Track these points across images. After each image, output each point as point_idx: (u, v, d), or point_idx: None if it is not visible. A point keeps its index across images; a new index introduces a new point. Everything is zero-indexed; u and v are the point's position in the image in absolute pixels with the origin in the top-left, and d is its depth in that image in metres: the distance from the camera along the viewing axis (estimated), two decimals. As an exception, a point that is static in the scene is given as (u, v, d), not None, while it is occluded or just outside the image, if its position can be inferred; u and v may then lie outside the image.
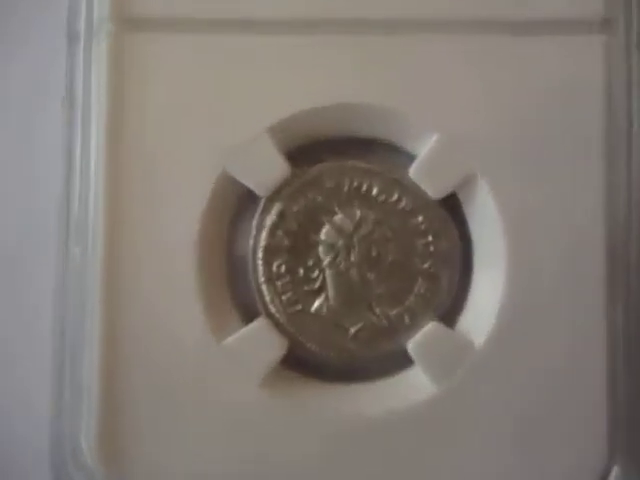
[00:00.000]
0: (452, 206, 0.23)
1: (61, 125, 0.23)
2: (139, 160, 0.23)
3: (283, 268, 0.23)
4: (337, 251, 0.23)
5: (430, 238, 0.23)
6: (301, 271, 0.23)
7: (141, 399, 0.22)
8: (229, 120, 0.23)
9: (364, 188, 0.23)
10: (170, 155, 0.23)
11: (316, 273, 0.23)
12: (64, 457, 0.22)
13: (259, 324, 0.23)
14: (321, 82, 0.23)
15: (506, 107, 0.22)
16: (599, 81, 0.22)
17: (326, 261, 0.23)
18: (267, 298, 0.23)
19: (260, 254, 0.23)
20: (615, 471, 0.22)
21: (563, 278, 0.22)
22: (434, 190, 0.23)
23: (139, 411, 0.22)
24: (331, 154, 0.24)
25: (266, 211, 0.23)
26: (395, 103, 0.23)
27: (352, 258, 0.23)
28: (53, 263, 0.23)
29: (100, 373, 0.22)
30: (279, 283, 0.23)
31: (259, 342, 0.23)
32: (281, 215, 0.23)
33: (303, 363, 0.24)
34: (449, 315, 0.23)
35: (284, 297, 0.23)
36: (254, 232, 0.23)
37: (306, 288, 0.23)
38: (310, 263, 0.23)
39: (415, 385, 0.23)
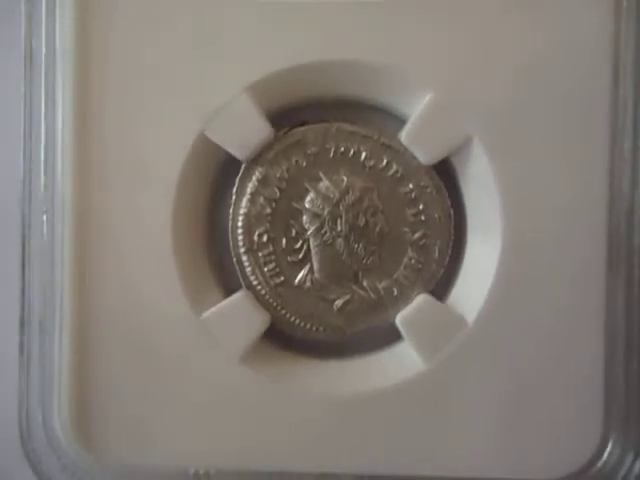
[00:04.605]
0: (445, 172, 0.22)
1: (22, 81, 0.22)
2: (110, 123, 0.21)
3: (265, 237, 0.22)
4: (322, 220, 0.22)
5: (421, 207, 0.22)
6: (284, 241, 0.22)
7: (116, 377, 0.22)
8: (206, 79, 0.21)
9: (351, 153, 0.22)
10: (143, 117, 0.21)
11: (300, 243, 0.22)
12: (36, 440, 0.22)
13: (239, 297, 0.22)
14: (304, 37, 0.21)
15: (507, 65, 0.21)
16: (607, 40, 0.21)
17: (310, 231, 0.22)
18: (248, 269, 0.22)
19: (240, 222, 0.22)
20: (610, 447, 0.21)
21: (562, 250, 0.21)
22: (426, 155, 0.22)
23: (114, 390, 0.22)
24: (316, 116, 0.22)
25: (246, 177, 0.22)
26: (385, 60, 0.21)
27: (338, 228, 0.22)
28: (17, 230, 0.22)
29: (71, 351, 0.21)
30: (260, 254, 0.22)
31: (240, 316, 0.22)
32: (262, 181, 0.22)
33: (286, 338, 0.23)
34: (440, 287, 0.22)
35: (266, 268, 0.22)
36: (234, 199, 0.22)
37: (289, 259, 0.22)
38: (293, 233, 0.22)
39: (403, 361, 0.22)
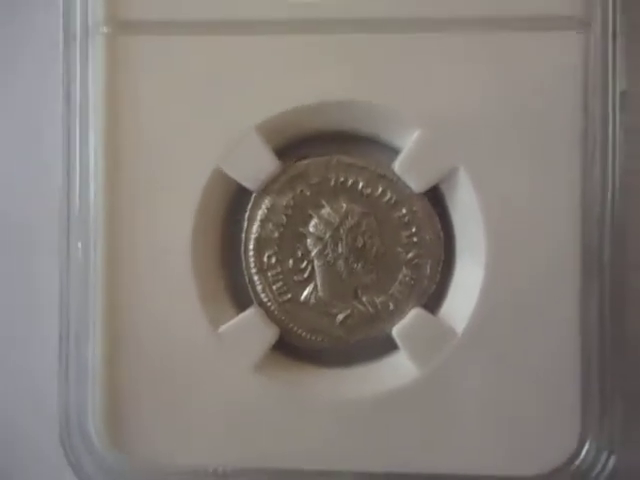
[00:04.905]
0: (435, 198, 0.24)
1: (60, 122, 0.24)
2: (135, 158, 0.24)
3: (273, 259, 0.24)
4: (325, 243, 0.24)
5: (414, 229, 0.24)
6: (290, 262, 0.24)
7: (142, 386, 0.24)
8: (220, 119, 0.23)
9: (350, 182, 0.24)
10: (165, 154, 0.24)
11: (305, 264, 0.24)
12: (74, 441, 0.24)
13: (251, 312, 0.24)
14: (307, 81, 0.23)
15: (488, 102, 0.23)
16: (577, 77, 0.23)
17: (314, 252, 0.24)
18: (259, 288, 0.24)
19: (251, 246, 0.24)
20: (587, 445, 0.23)
21: (540, 268, 0.23)
22: (417, 184, 0.24)
23: (141, 397, 0.24)
24: (318, 150, 0.24)
25: (257, 205, 0.24)
26: (379, 100, 0.23)
27: (339, 249, 0.24)
28: (57, 256, 0.24)
29: (103, 363, 0.24)
30: (270, 273, 0.24)
31: (252, 329, 0.24)
32: (271, 208, 0.24)
33: (294, 349, 0.25)
34: (432, 302, 0.24)
35: (275, 287, 0.24)
36: (245, 225, 0.24)
37: (295, 278, 0.24)
38: (299, 254, 0.24)
39: (399, 369, 0.24)
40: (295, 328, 0.24)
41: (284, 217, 0.24)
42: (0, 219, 0.27)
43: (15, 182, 0.27)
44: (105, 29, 0.24)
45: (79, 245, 0.24)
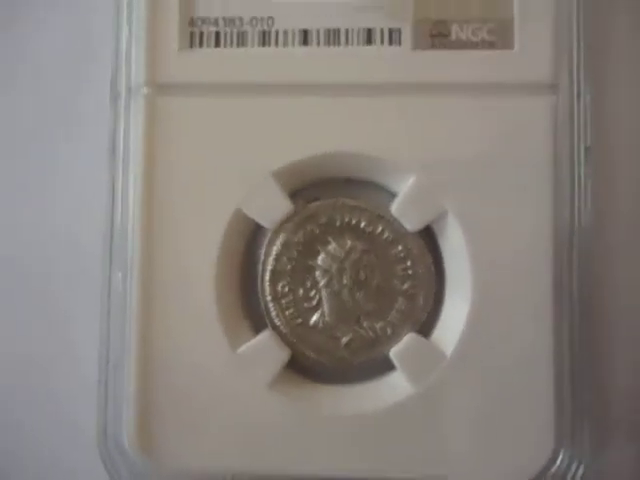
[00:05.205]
0: (428, 236, 0.27)
1: (107, 171, 0.28)
2: (169, 201, 0.27)
3: (286, 288, 0.27)
4: (331, 274, 0.27)
5: (409, 264, 0.27)
6: (301, 291, 0.27)
7: (170, 401, 0.26)
8: (242, 167, 0.27)
9: (353, 222, 0.27)
10: (194, 197, 0.27)
11: (313, 292, 0.27)
12: (110, 450, 0.27)
13: (266, 335, 0.27)
14: (318, 135, 0.27)
15: (473, 154, 0.26)
16: (548, 134, 0.26)
17: (322, 283, 0.27)
18: (273, 313, 0.27)
19: (267, 277, 0.27)
20: (561, 456, 0.25)
21: (518, 298, 0.26)
22: (412, 224, 0.27)
23: (167, 412, 0.26)
24: (325, 193, 0.28)
25: (272, 242, 0.27)
26: (379, 151, 0.26)
27: (344, 280, 0.27)
28: (98, 287, 0.27)
29: (136, 385, 0.26)
30: (283, 301, 0.27)
31: (267, 350, 0.27)
32: (285, 245, 0.27)
33: (303, 368, 0.27)
34: (425, 327, 0.27)
35: (287, 312, 0.27)
36: (262, 259, 0.27)
37: (305, 305, 0.27)
38: (308, 284, 0.27)
39: (396, 387, 0.27)
40: (305, 349, 0.27)
41: (296, 252, 0.27)
42: (49, 248, 0.30)
43: (62, 227, 0.30)
44: (145, 90, 0.27)
45: (119, 275, 0.27)
